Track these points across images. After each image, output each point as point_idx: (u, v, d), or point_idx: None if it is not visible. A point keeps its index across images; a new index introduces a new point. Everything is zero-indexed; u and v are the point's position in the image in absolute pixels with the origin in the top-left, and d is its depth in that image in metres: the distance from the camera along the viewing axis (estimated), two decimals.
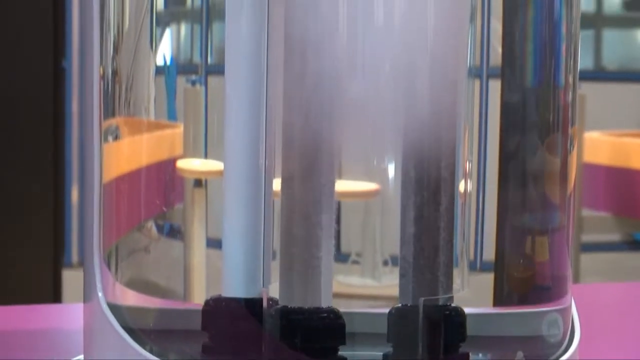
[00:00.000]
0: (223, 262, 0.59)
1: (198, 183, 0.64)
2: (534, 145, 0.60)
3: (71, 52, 2.83)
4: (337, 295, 0.56)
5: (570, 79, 0.61)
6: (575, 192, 0.62)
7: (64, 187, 2.39)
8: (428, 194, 0.56)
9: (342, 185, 0.56)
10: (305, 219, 0.55)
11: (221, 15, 0.59)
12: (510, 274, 0.61)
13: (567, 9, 0.60)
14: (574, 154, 0.61)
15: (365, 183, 0.57)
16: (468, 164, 0.59)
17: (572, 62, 0.61)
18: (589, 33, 3.41)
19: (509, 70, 0.60)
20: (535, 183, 0.60)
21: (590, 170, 2.36)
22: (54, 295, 2.17)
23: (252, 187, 0.58)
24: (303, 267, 0.55)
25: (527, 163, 0.60)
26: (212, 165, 0.62)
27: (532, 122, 0.60)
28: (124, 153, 0.64)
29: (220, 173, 0.59)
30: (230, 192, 0.59)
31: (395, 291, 0.56)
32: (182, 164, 0.64)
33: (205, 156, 0.63)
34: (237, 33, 0.58)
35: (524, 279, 0.61)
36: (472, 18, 0.58)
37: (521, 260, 0.61)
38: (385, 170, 0.56)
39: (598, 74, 3.35)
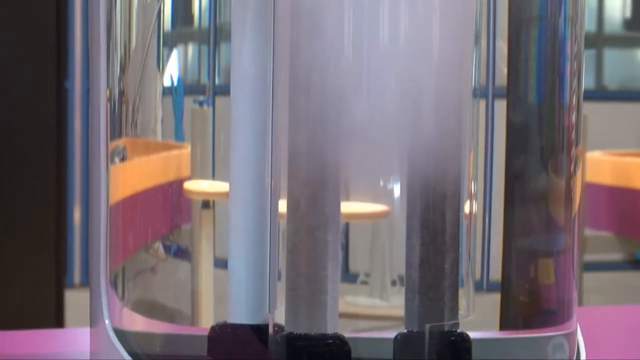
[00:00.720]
0: (228, 287, 0.59)
1: (206, 204, 0.64)
2: (539, 166, 0.60)
3: (74, 72, 2.83)
4: (344, 316, 0.56)
5: (575, 100, 0.61)
6: (580, 213, 0.62)
7: (65, 207, 2.39)
8: (434, 215, 0.56)
9: (350, 207, 0.56)
10: (311, 241, 0.55)
11: (228, 36, 0.60)
12: (516, 297, 0.60)
13: (572, 29, 0.60)
14: (579, 175, 0.61)
15: (373, 205, 0.58)
16: (473, 185, 0.59)
17: (576, 83, 0.61)
18: (590, 53, 3.42)
19: (514, 91, 0.60)
20: (540, 204, 0.60)
21: (593, 190, 2.36)
22: (56, 316, 2.17)
23: (258, 209, 0.58)
24: (309, 293, 0.55)
25: (532, 184, 0.60)
26: (219, 186, 0.62)
27: (537, 142, 0.60)
28: (130, 174, 0.64)
29: (227, 194, 0.60)
30: (235, 214, 0.59)
31: (403, 312, 0.56)
32: (189, 185, 0.64)
33: (213, 177, 0.63)
34: (243, 55, 0.58)
35: (530, 303, 0.61)
36: (477, 39, 0.59)
37: (527, 285, 0.61)
38: (392, 192, 0.57)
39: (599, 94, 3.35)
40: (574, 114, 0.61)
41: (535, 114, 0.60)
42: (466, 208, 0.58)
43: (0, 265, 2.14)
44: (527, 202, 0.60)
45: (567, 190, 0.60)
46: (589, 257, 2.40)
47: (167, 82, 0.65)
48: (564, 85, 0.60)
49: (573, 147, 0.61)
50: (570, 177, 0.61)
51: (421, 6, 0.55)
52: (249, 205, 0.59)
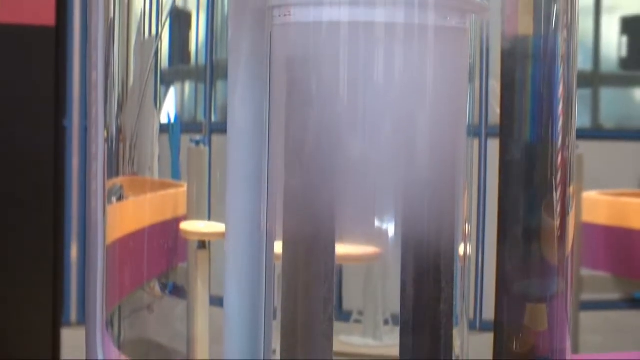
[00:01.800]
0: (224, 326, 0.59)
1: (202, 245, 0.64)
2: (532, 205, 0.60)
3: (72, 110, 2.84)
4: (339, 355, 0.56)
5: (568, 139, 0.61)
6: (574, 253, 0.62)
7: (63, 244, 2.39)
8: (429, 256, 0.56)
9: (344, 249, 0.56)
10: (306, 283, 0.55)
11: (225, 75, 0.60)
12: (509, 343, 0.60)
13: (565, 69, 0.61)
14: (572, 215, 0.61)
15: (365, 247, 0.57)
16: (468, 226, 0.59)
17: (569, 122, 0.61)
18: (587, 92, 3.43)
19: (507, 130, 0.60)
20: (533, 244, 0.60)
21: (589, 230, 2.35)
22: (53, 354, 2.16)
23: (254, 250, 0.58)
24: (304, 333, 0.55)
25: (525, 223, 0.60)
26: (215, 227, 0.63)
27: (530, 181, 0.60)
28: (127, 214, 0.64)
29: (223, 235, 0.60)
30: (231, 255, 0.59)
31: (396, 351, 0.56)
32: (185, 225, 0.64)
33: (209, 217, 0.63)
34: (239, 98, 0.59)
35: (523, 351, 0.60)
36: (471, 78, 0.59)
37: (520, 332, 0.60)
38: (386, 233, 0.57)
39: (595, 133, 3.36)
40: (567, 152, 0.61)
41: (528, 153, 0.60)
42: (460, 250, 0.58)
43: None
44: (520, 242, 0.60)
45: (560, 230, 0.60)
46: (586, 297, 2.39)
47: (164, 120, 0.65)
48: (557, 124, 0.61)
49: (567, 186, 0.61)
50: (563, 216, 0.61)
51: (416, 47, 0.56)
52: (245, 247, 0.59)
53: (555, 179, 0.61)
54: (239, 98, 0.58)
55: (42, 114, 2.19)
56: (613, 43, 3.45)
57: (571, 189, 0.61)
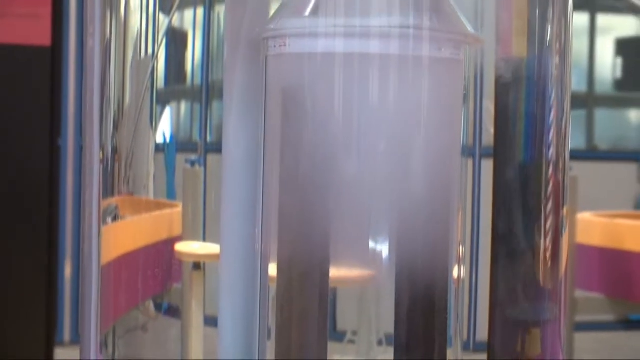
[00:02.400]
0: (218, 347, 0.59)
1: (196, 266, 0.64)
2: (526, 226, 0.60)
3: (67, 130, 2.84)
4: None
5: (561, 160, 0.61)
6: (567, 275, 0.61)
7: (57, 264, 2.38)
8: (422, 279, 0.56)
9: (338, 272, 0.56)
10: (300, 304, 0.55)
11: (220, 95, 0.60)
12: None
13: (558, 90, 0.61)
14: (566, 236, 0.61)
15: (360, 270, 0.57)
16: (462, 249, 0.58)
17: (563, 143, 0.61)
18: (581, 113, 3.43)
19: (501, 151, 0.60)
20: (526, 265, 0.60)
21: (583, 252, 2.35)
22: None
23: (248, 272, 0.58)
24: (298, 354, 0.55)
25: (518, 244, 0.60)
26: (210, 248, 0.62)
27: (524, 202, 0.60)
28: (122, 235, 0.64)
29: (218, 256, 0.60)
30: (226, 276, 0.59)
31: None
32: (180, 247, 0.64)
33: (204, 238, 0.63)
34: (235, 122, 0.59)
35: None
36: (466, 99, 0.59)
37: (513, 355, 0.60)
38: (380, 255, 0.56)
39: (590, 154, 3.36)
40: (561, 174, 0.61)
41: (521, 174, 0.61)
42: (454, 271, 0.58)
43: None
44: (514, 264, 0.60)
45: (553, 251, 0.60)
46: (580, 318, 2.39)
47: (159, 139, 0.65)
48: (550, 145, 0.61)
49: (560, 208, 0.61)
50: (557, 238, 0.61)
51: (410, 78, 0.56)
52: (239, 268, 0.59)
53: (549, 200, 0.61)
54: (234, 124, 0.58)
55: (37, 133, 2.19)
56: (608, 64, 3.46)
57: (565, 210, 0.61)
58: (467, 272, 0.59)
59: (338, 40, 0.55)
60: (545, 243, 0.60)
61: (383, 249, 0.57)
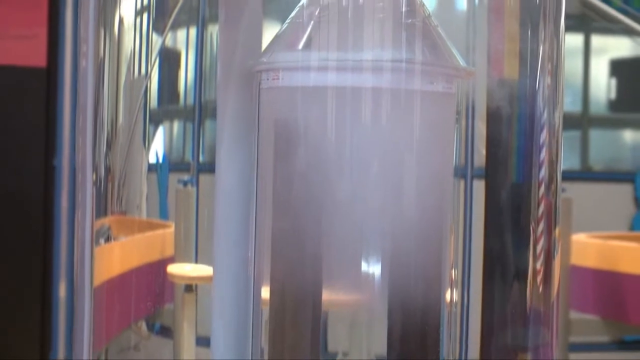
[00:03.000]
0: None
1: (188, 288, 0.64)
2: (518, 248, 0.60)
3: (62, 150, 2.85)
4: None
5: (554, 182, 0.61)
6: (559, 297, 0.61)
7: (51, 284, 2.38)
8: (414, 303, 0.56)
9: (330, 295, 0.56)
10: (293, 327, 0.55)
11: (213, 114, 0.60)
12: None
13: (550, 111, 0.61)
14: (558, 258, 0.61)
15: (352, 292, 0.57)
16: (454, 272, 0.58)
17: (555, 164, 0.61)
18: (576, 134, 3.44)
19: (492, 172, 0.60)
20: (518, 289, 0.60)
21: (578, 273, 2.35)
22: None
23: (241, 294, 0.58)
24: None
25: (510, 267, 0.60)
26: (202, 270, 0.63)
27: (516, 224, 0.60)
28: (115, 256, 0.64)
29: (210, 279, 0.60)
30: (218, 300, 0.59)
31: None
32: (172, 269, 0.64)
33: (196, 260, 0.63)
34: (228, 141, 0.59)
35: None
36: (458, 119, 0.59)
37: None
38: (372, 278, 0.56)
39: (585, 174, 3.37)
40: (553, 195, 0.61)
41: (513, 195, 0.61)
42: (447, 295, 0.58)
43: None
44: (506, 286, 0.60)
45: (546, 273, 0.60)
46: (575, 339, 2.38)
47: (152, 159, 0.65)
48: (542, 166, 0.61)
49: (552, 229, 0.61)
50: (549, 260, 0.60)
51: (402, 112, 0.56)
52: (232, 291, 0.59)
53: (541, 222, 0.61)
54: (227, 149, 0.59)
55: (32, 153, 2.19)
56: (602, 85, 3.47)
57: (557, 232, 0.61)
58: (459, 294, 0.59)
59: (331, 74, 0.55)
60: (537, 265, 0.60)
61: (375, 272, 0.57)
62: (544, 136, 0.61)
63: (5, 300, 2.16)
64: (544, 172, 0.61)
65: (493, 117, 0.60)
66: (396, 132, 0.56)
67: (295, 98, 0.56)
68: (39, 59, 2.17)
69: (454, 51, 0.57)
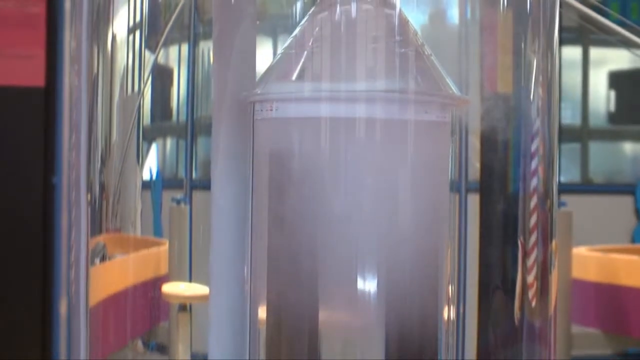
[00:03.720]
0: None
1: (183, 307, 0.64)
2: (513, 262, 0.60)
3: (61, 167, 2.85)
4: None
5: (550, 196, 0.61)
6: (557, 312, 0.61)
7: (51, 301, 2.38)
8: (411, 325, 0.56)
9: (325, 316, 0.56)
10: (290, 347, 0.55)
11: (206, 131, 0.60)
12: None
13: (544, 126, 0.61)
14: (555, 272, 0.60)
15: (348, 312, 0.57)
16: (451, 288, 0.58)
17: (551, 178, 0.61)
18: (575, 146, 3.44)
19: (487, 185, 0.60)
20: (514, 304, 0.59)
21: (579, 287, 2.35)
22: None
23: (237, 317, 0.58)
24: None
25: (506, 281, 0.60)
26: (197, 289, 0.62)
27: (511, 238, 0.60)
28: (110, 275, 0.64)
29: (204, 298, 0.59)
30: (215, 319, 0.59)
31: None
32: (167, 288, 0.64)
33: (190, 279, 0.63)
34: (222, 158, 0.59)
35: None
36: (452, 133, 0.59)
37: None
38: (368, 301, 0.56)
39: (585, 187, 3.37)
40: (549, 208, 0.61)
41: (508, 209, 0.60)
42: (444, 312, 0.57)
43: None
44: (501, 301, 0.60)
45: (542, 287, 0.60)
46: (578, 353, 2.38)
47: (146, 176, 0.65)
48: (538, 179, 0.60)
49: (548, 243, 0.60)
50: (545, 273, 0.60)
51: (396, 142, 0.56)
52: (228, 312, 0.59)
53: (537, 235, 0.60)
54: (221, 171, 0.58)
55: (31, 171, 2.20)
56: (601, 97, 3.48)
57: (553, 245, 0.61)
58: (455, 310, 0.59)
59: (325, 105, 0.55)
60: (533, 279, 0.60)
61: (371, 299, 0.56)
62: (537, 149, 0.60)
63: (4, 320, 2.16)
64: (539, 186, 0.60)
65: (486, 132, 0.60)
66: (391, 163, 0.56)
67: (290, 129, 0.56)
68: (37, 79, 2.17)
69: (448, 79, 0.57)
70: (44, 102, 2.18)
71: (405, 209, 0.56)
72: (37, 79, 2.17)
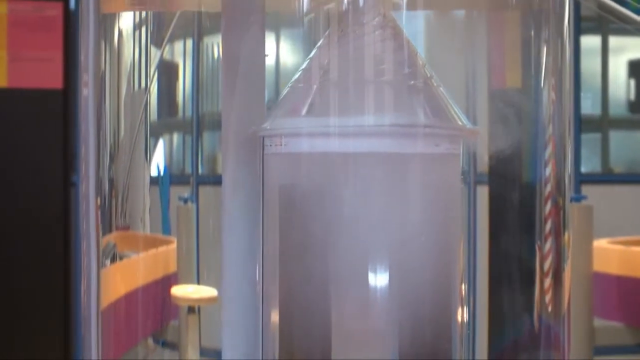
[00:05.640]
0: None
1: (191, 310, 0.64)
2: (524, 255, 0.59)
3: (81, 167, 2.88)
4: None
5: (562, 185, 0.60)
6: (570, 306, 0.60)
7: (73, 301, 2.39)
8: (425, 325, 0.55)
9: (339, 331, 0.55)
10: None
11: (211, 126, 0.60)
12: None
13: (556, 112, 0.60)
14: (569, 267, 0.60)
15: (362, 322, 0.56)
16: (464, 287, 0.57)
17: (562, 170, 0.60)
18: (596, 136, 3.43)
19: (496, 177, 0.59)
20: (526, 299, 0.59)
21: (600, 280, 2.33)
22: None
23: (250, 320, 0.58)
24: None
25: (517, 275, 0.59)
26: (205, 291, 0.62)
27: (520, 230, 0.59)
28: (121, 276, 0.63)
29: (212, 300, 0.59)
30: (227, 325, 0.59)
31: None
32: (175, 291, 0.64)
33: (198, 281, 0.63)
34: (232, 183, 0.59)
35: None
36: (463, 178, 0.58)
37: None
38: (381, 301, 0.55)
39: (606, 177, 3.35)
40: (561, 198, 0.60)
41: (518, 201, 0.60)
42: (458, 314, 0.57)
43: None
44: (512, 295, 0.59)
45: (555, 281, 0.59)
46: (599, 343, 2.37)
47: (153, 172, 0.65)
48: (549, 171, 0.60)
49: (561, 235, 0.60)
50: (558, 267, 0.59)
51: (407, 175, 0.55)
52: (240, 316, 0.59)
53: (549, 229, 0.59)
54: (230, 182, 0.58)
55: (51, 171, 2.21)
56: (621, 86, 3.46)
57: (566, 238, 0.60)
58: (467, 309, 0.58)
59: (335, 140, 0.54)
60: (546, 273, 0.59)
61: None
62: (550, 140, 0.60)
63: (25, 318, 2.17)
64: (551, 178, 0.60)
65: (494, 125, 0.59)
66: (402, 196, 0.55)
67: (299, 164, 0.55)
68: (55, 81, 2.19)
69: (457, 110, 0.56)
70: (62, 104, 2.20)
71: (417, 243, 0.55)
72: (55, 82, 2.19)
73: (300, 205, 0.55)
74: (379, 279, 0.54)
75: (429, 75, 0.56)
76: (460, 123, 0.56)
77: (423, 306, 0.55)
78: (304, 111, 0.55)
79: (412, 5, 0.56)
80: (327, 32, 0.56)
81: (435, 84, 0.56)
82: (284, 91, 0.57)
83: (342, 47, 0.55)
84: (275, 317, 0.56)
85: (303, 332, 0.55)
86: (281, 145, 0.55)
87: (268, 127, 0.56)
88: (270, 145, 0.56)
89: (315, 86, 0.55)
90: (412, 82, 0.55)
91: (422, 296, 0.55)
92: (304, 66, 0.57)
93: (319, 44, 0.56)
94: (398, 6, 0.55)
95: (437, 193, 0.55)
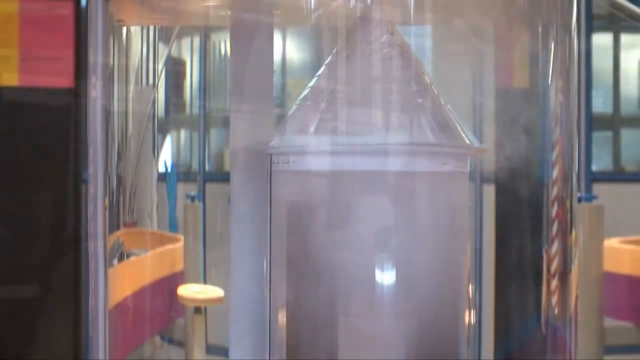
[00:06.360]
0: None
1: (197, 310, 0.64)
2: (531, 254, 0.59)
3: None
4: None
5: (569, 185, 0.60)
6: (577, 308, 0.59)
7: (85, 301, 2.39)
8: (430, 331, 0.55)
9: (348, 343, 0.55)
10: None
11: (218, 123, 0.60)
12: None
13: (563, 109, 0.59)
14: (575, 268, 0.59)
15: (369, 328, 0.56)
16: (471, 288, 0.57)
17: (569, 169, 0.60)
18: (607, 134, 3.41)
19: (502, 178, 0.59)
20: (532, 299, 0.58)
21: (611, 279, 2.32)
22: None
23: (257, 323, 0.58)
24: None
25: (524, 275, 0.59)
26: (211, 291, 0.62)
27: (529, 230, 0.59)
28: (128, 275, 0.63)
29: (218, 300, 0.59)
30: (235, 328, 0.59)
31: None
32: (182, 291, 0.63)
33: (205, 280, 0.63)
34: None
35: None
36: (471, 197, 0.58)
37: None
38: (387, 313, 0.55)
39: (617, 176, 3.34)
40: (569, 200, 0.60)
41: (525, 200, 0.59)
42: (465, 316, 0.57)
43: None
44: (519, 294, 0.59)
45: (562, 281, 0.59)
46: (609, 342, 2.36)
47: (161, 168, 0.65)
48: (556, 170, 0.59)
49: (567, 235, 0.59)
50: (565, 268, 0.59)
51: (415, 193, 0.55)
52: (248, 319, 0.59)
53: (556, 229, 0.59)
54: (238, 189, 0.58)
55: (63, 167, 2.22)
56: (633, 84, 3.45)
57: (573, 237, 0.59)
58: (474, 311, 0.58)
59: (341, 159, 0.54)
60: (553, 272, 0.59)
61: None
62: (558, 140, 0.59)
63: (36, 318, 2.17)
64: (558, 177, 0.59)
65: (502, 123, 0.59)
66: (410, 214, 0.54)
67: (306, 182, 0.55)
68: (66, 80, 2.20)
69: (464, 128, 0.56)
70: (73, 102, 2.20)
71: (425, 260, 0.55)
72: (66, 80, 2.19)
73: (308, 222, 0.55)
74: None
75: (436, 93, 0.56)
76: (467, 141, 0.55)
77: (429, 318, 0.55)
78: (311, 129, 0.55)
79: (419, 19, 0.56)
80: (334, 50, 0.56)
81: (442, 102, 0.56)
82: (292, 108, 0.57)
83: (350, 64, 0.55)
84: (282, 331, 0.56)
85: (310, 341, 0.55)
86: (288, 163, 0.56)
87: (276, 145, 0.57)
88: (278, 163, 0.56)
89: (322, 104, 0.56)
90: (420, 100, 0.55)
91: (428, 309, 0.55)
92: (311, 83, 0.57)
93: (327, 61, 0.56)
94: (405, 19, 0.55)
95: (445, 210, 0.55)
